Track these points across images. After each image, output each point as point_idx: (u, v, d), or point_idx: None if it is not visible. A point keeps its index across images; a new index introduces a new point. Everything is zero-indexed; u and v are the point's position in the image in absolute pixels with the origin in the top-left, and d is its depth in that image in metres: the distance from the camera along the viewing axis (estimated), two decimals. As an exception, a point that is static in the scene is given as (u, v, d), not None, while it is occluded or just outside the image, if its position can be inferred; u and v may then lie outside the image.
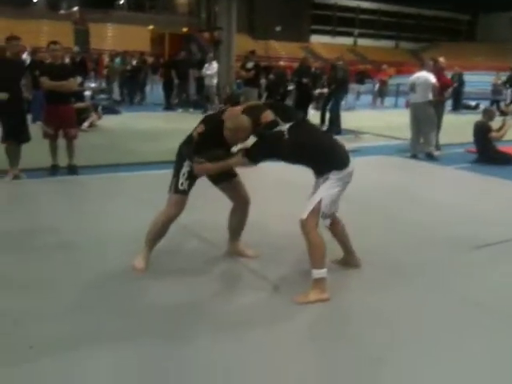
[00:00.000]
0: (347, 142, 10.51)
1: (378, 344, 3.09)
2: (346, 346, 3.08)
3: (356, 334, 3.26)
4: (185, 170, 3.85)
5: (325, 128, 12.58)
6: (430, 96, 9.04)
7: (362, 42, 46.29)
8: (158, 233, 3.98)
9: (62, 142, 7.20)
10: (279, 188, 6.56)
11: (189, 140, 3.90)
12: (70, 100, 7.36)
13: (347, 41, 45.41)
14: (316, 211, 3.59)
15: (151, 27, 35.80)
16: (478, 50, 41.55)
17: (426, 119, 9.12)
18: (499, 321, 3.43)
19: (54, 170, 7.08)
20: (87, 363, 2.80)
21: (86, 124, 10.81)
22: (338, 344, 3.09)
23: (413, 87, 9.18)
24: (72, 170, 7.13)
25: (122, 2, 41.11)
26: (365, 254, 4.21)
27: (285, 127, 3.59)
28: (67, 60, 14.32)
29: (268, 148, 3.63)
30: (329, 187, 3.61)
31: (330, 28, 46.12)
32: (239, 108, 3.89)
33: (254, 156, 3.64)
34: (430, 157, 9.11)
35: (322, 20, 45.17)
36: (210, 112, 15.27)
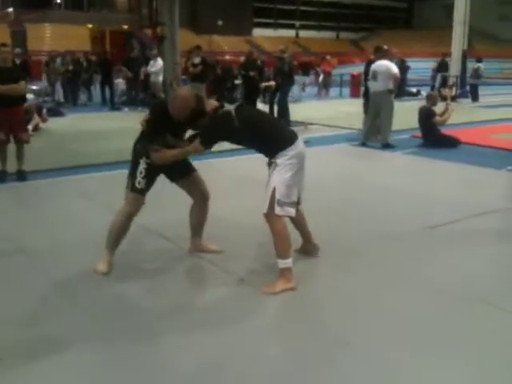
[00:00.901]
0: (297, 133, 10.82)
1: (346, 328, 3.19)
2: (314, 331, 3.17)
3: (324, 319, 3.36)
4: (141, 167, 3.84)
5: (274, 121, 12.70)
6: (391, 85, 9.19)
7: (304, 33, 46.68)
8: (118, 233, 3.94)
9: (10, 147, 7.02)
10: (240, 183, 6.62)
11: (142, 136, 3.90)
12: (20, 103, 7.17)
13: (289, 33, 45.70)
14: (273, 201, 3.59)
15: (90, 26, 35.05)
16: (415, 37, 42.61)
17: (386, 107, 9.22)
18: (453, 300, 3.60)
19: (2, 177, 6.89)
20: (57, 369, 2.79)
21: (29, 127, 10.52)
22: (307, 329, 3.18)
23: (374, 75, 9.26)
24: (21, 175, 6.94)
25: (58, 1, 40.02)
26: (323, 242, 4.32)
27: (231, 107, 3.70)
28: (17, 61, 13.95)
29: (219, 128, 3.67)
30: (279, 173, 3.60)
31: (272, 21, 46.29)
32: None
33: (207, 139, 3.67)
34: (387, 146, 9.15)
35: (264, 13, 45.29)
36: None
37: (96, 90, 18.43)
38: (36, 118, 10.95)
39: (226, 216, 4.96)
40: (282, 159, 3.61)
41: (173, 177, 4.12)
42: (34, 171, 7.15)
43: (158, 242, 4.64)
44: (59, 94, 17.18)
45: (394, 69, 9.21)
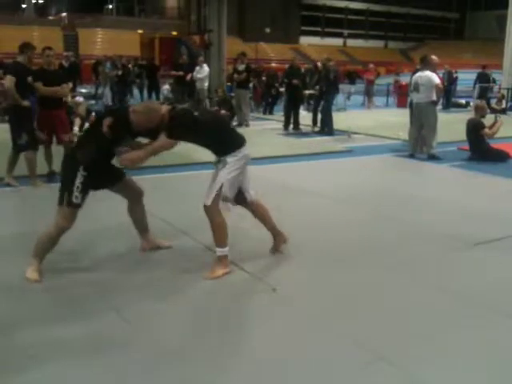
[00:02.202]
0: (340, 143, 10.74)
1: (385, 344, 3.11)
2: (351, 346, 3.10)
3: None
4: (78, 182, 3.79)
5: (316, 129, 12.64)
6: (434, 96, 9.01)
7: (351, 42, 46.44)
8: (48, 246, 3.92)
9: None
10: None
11: (81, 143, 3.98)
12: (63, 105, 7.37)
13: (337, 41, 45.54)
14: (218, 196, 3.87)
15: (140, 31, 35.75)
16: (466, 48, 41.84)
17: (429, 119, 9.05)
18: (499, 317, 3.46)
19: (51, 177, 7.04)
20: (91, 364, 2.81)
21: (75, 128, 10.71)
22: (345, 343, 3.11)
23: (416, 87, 9.11)
24: (52, 176, 7.07)
25: (111, 7, 41.01)
26: (364, 253, 4.24)
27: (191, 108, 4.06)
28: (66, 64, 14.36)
29: (182, 120, 3.85)
30: (228, 172, 3.87)
31: (319, 29, 46.22)
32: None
33: (173, 132, 3.79)
34: (433, 158, 8.98)
35: (311, 21, 45.28)
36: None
37: (143, 94, 18.75)
38: (77, 120, 11.05)
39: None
40: (233, 159, 3.90)
41: (109, 184, 4.17)
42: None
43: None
44: (107, 98, 17.55)
45: (436, 79, 9.01)
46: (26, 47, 6.71)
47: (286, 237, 4.41)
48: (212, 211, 3.91)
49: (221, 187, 3.86)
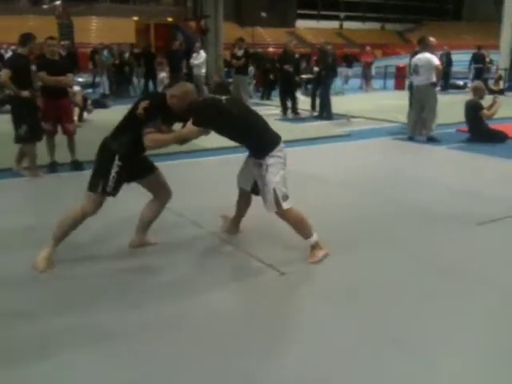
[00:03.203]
0: (339, 127, 10.75)
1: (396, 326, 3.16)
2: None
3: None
4: (114, 171, 3.78)
5: (315, 114, 12.63)
6: (434, 78, 9.00)
7: (348, 25, 46.18)
8: (69, 228, 3.89)
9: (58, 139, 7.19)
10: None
11: (118, 133, 3.87)
12: (67, 94, 7.35)
13: (333, 24, 45.30)
14: (277, 201, 3.82)
15: (136, 18, 35.53)
16: (464, 29, 41.63)
17: (429, 101, 9.05)
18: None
19: (53, 167, 7.05)
20: (102, 354, 2.86)
21: (74, 118, 10.69)
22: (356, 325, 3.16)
23: (416, 69, 9.09)
24: (77, 165, 7.11)
25: (105, -6, 40.69)
26: (369, 234, 4.28)
27: (222, 97, 3.90)
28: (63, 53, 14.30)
29: (210, 108, 3.79)
30: (274, 174, 3.80)
31: (315, 12, 45.92)
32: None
33: (200, 119, 3.73)
34: (432, 140, 9.01)
35: (308, 4, 44.97)
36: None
37: (140, 82, 18.65)
38: (77, 109, 11.04)
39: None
40: (273, 160, 3.81)
41: (140, 175, 4.11)
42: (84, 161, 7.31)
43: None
44: (105, 86, 17.52)
45: (435, 61, 9.00)
46: (27, 39, 6.61)
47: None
48: (284, 215, 3.89)
49: (274, 192, 3.80)
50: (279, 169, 3.82)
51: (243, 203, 4.36)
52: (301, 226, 3.92)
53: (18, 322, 3.18)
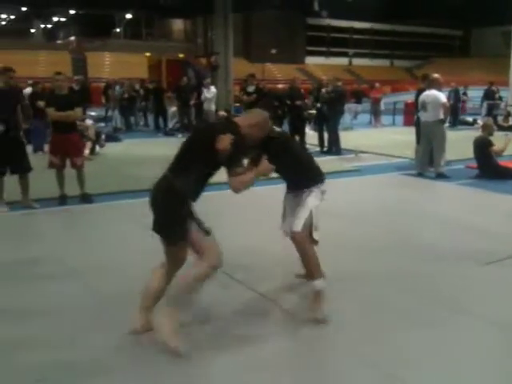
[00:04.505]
0: (348, 162, 10.78)
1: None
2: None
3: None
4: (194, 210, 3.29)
5: (325, 149, 12.68)
6: (441, 114, 9.06)
7: (357, 61, 46.73)
8: (194, 289, 3.29)
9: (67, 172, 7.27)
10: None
11: (182, 172, 3.28)
12: (76, 129, 7.47)
13: (342, 61, 45.84)
14: (307, 223, 3.67)
15: (148, 54, 36.17)
16: (472, 65, 41.92)
17: (437, 137, 9.09)
18: None
19: (62, 200, 7.13)
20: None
21: (86, 151, 10.80)
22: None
23: (424, 105, 9.17)
24: (86, 198, 7.20)
25: (118, 31, 41.58)
26: (376, 271, 4.25)
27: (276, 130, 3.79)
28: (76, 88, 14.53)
29: (283, 146, 3.69)
30: (316, 198, 3.70)
31: (324, 49, 46.57)
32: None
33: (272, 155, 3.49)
34: (441, 176, 9.00)
35: (317, 41, 45.64)
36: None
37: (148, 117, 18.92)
38: (88, 143, 11.16)
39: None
40: (317, 189, 3.74)
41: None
42: (94, 194, 7.40)
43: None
44: (117, 120, 17.75)
45: (442, 98, 9.07)
46: (1, 72, 6.65)
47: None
48: (302, 239, 3.65)
49: (311, 214, 3.67)
50: (319, 199, 3.74)
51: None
52: (313, 262, 3.67)
53: None
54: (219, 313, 3.78)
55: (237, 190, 3.32)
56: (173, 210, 3.26)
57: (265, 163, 3.39)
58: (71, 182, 7.24)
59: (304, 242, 3.67)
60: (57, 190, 7.17)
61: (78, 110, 7.24)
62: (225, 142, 3.18)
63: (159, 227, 3.31)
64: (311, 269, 3.70)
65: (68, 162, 7.22)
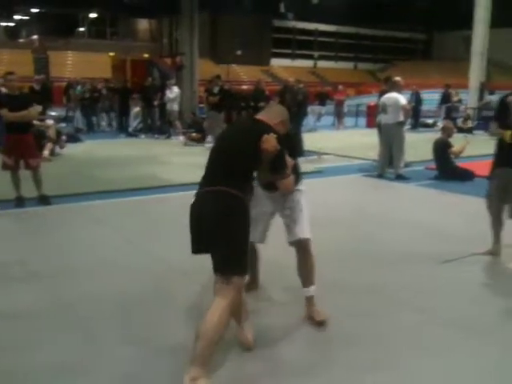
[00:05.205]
0: (310, 164, 10.86)
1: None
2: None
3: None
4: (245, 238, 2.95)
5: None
6: (401, 117, 9.22)
7: (321, 64, 47.08)
8: (222, 333, 2.84)
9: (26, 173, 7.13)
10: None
11: (234, 180, 2.94)
12: (30, 129, 7.32)
13: (307, 63, 46.15)
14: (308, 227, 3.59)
15: (112, 54, 35.75)
16: (434, 69, 42.70)
17: (397, 140, 9.25)
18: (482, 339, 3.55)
19: (19, 202, 6.99)
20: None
21: (46, 152, 10.62)
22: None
23: (384, 108, 9.32)
24: (43, 200, 7.06)
25: (82, 30, 40.99)
26: (333, 275, 4.30)
27: None
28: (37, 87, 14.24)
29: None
30: (305, 200, 3.61)
31: (289, 51, 46.80)
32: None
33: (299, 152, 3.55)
34: (400, 178, 9.18)
35: (283, 43, 45.83)
36: (174, 137, 15.40)
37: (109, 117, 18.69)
38: (49, 144, 10.96)
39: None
40: (303, 187, 3.64)
41: None
42: (54, 196, 7.27)
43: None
44: (78, 121, 17.50)
45: (403, 101, 9.24)
46: None
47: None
48: (310, 245, 3.59)
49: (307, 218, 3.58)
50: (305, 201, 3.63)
51: (256, 258, 3.97)
52: (314, 269, 3.62)
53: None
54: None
55: (290, 191, 3.27)
56: (243, 235, 2.91)
57: (289, 159, 3.19)
58: (30, 184, 7.10)
59: (310, 248, 3.60)
60: (13, 191, 7.02)
61: (33, 110, 7.08)
62: (272, 141, 2.94)
63: (221, 258, 2.87)
64: (312, 275, 3.62)
65: (23, 164, 7.07)
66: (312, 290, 3.63)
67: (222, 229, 2.83)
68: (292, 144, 3.44)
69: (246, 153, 2.96)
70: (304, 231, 3.54)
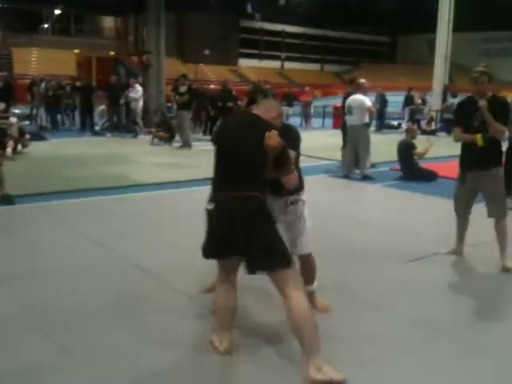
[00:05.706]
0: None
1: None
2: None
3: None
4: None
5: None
6: (367, 118, 9.34)
7: (288, 65, 47.32)
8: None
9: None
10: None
11: (257, 181, 3.02)
12: None
13: (275, 64, 46.32)
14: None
15: (77, 51, 35.24)
16: (398, 71, 43.44)
17: (363, 141, 9.38)
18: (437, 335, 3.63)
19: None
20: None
21: (8, 150, 10.40)
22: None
23: (350, 109, 9.41)
24: (6, 199, 6.87)
25: (46, 26, 40.24)
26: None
27: None
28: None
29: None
30: (307, 211, 3.68)
31: (257, 52, 46.90)
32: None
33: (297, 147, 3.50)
34: (366, 178, 9.31)
35: (250, 44, 45.89)
36: (142, 136, 15.28)
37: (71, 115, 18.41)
38: (11, 142, 10.73)
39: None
40: (304, 196, 3.70)
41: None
42: (17, 195, 7.09)
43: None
44: (42, 119, 17.20)
45: (368, 102, 9.37)
46: None
47: None
48: (313, 258, 3.71)
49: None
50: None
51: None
52: (315, 272, 3.79)
53: None
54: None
55: (294, 186, 3.27)
56: (274, 233, 3.03)
57: (292, 152, 3.20)
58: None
59: (313, 259, 3.75)
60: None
61: (-4, 106, 6.94)
62: (276, 138, 2.92)
63: (270, 256, 2.94)
64: (313, 276, 3.78)
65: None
66: (313, 286, 3.78)
67: (262, 229, 2.94)
68: (293, 136, 3.45)
69: (257, 153, 2.96)
70: (309, 246, 3.66)
